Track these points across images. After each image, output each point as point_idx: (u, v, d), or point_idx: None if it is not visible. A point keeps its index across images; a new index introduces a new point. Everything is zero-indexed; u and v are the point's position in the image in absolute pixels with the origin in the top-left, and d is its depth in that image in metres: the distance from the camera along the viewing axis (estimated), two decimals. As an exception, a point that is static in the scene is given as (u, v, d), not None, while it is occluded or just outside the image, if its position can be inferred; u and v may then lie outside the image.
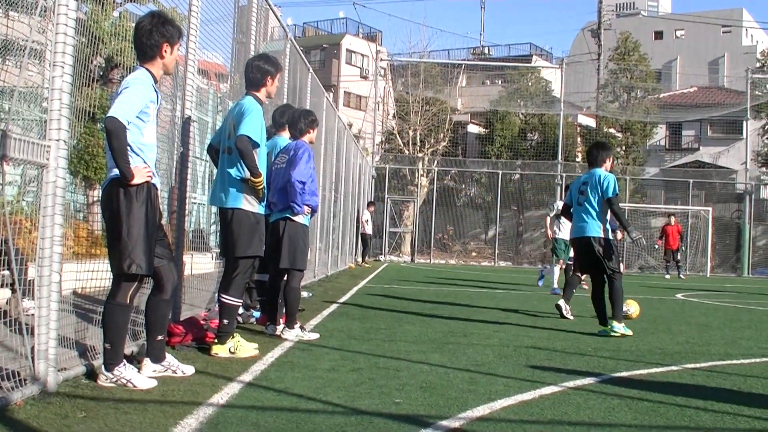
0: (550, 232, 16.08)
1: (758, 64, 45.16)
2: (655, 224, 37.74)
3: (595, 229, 9.43)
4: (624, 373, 6.47)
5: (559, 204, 14.35)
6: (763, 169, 42.80)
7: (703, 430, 4.65)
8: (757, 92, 39.98)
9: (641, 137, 43.65)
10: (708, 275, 34.04)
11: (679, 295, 17.59)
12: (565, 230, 14.52)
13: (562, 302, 11.02)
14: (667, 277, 28.13)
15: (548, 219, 16.44)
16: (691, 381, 6.29)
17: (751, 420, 4.96)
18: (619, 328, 9.12)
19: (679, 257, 28.56)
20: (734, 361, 7.50)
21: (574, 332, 9.42)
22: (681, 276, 28.06)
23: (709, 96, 52.74)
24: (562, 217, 13.25)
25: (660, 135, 49.65)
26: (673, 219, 28.84)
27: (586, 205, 9.54)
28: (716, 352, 8.18)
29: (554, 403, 5.21)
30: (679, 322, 11.49)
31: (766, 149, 42.66)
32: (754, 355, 8.01)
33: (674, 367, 6.94)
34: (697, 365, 7.13)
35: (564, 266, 15.22)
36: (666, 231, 28.07)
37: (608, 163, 9.85)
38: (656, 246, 30.29)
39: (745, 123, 38.82)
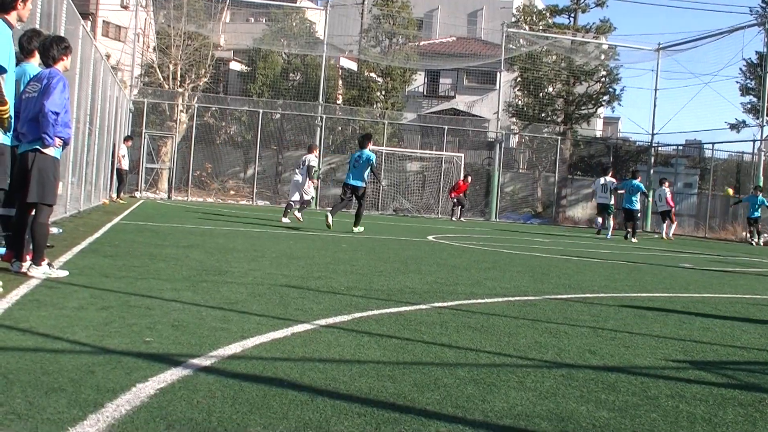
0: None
1: (513, 19, 47.05)
2: (410, 168, 38.88)
3: None
4: (375, 312, 6.59)
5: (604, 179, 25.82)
6: (513, 119, 44.93)
7: (448, 365, 4.80)
8: (511, 46, 41.65)
9: (401, 83, 44.64)
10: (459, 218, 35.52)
11: (430, 237, 18.20)
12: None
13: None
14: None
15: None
16: (438, 319, 6.48)
17: (491, 356, 5.17)
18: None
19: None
20: (479, 300, 7.83)
21: (327, 273, 9.53)
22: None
23: (467, 46, 54.65)
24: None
25: (419, 82, 51.04)
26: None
27: None
28: (463, 291, 8.51)
29: (306, 340, 5.22)
30: (429, 263, 11.87)
31: (516, 100, 44.74)
32: (497, 295, 8.40)
33: (423, 306, 7.14)
34: (445, 304, 7.39)
35: None
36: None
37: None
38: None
39: (498, 74, 40.47)
